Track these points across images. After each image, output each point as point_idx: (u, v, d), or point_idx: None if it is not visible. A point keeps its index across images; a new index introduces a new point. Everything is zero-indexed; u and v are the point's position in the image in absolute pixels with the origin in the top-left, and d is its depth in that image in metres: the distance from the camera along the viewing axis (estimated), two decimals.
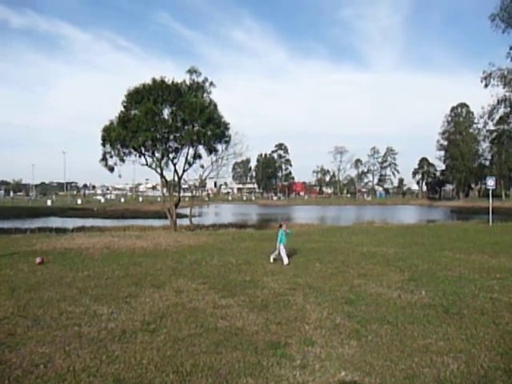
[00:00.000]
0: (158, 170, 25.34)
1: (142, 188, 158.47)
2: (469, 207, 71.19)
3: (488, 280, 8.18)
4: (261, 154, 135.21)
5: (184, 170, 26.30)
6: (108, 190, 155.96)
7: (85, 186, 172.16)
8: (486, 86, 30.15)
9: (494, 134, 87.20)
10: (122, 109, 23.74)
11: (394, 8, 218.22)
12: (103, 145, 24.18)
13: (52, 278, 8.60)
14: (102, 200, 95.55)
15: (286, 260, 10.19)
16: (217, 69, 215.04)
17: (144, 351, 4.56)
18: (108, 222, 37.88)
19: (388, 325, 5.37)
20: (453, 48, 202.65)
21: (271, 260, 10.48)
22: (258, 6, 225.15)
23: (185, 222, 33.03)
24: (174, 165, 25.69)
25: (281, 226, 10.99)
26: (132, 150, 24.22)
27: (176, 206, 26.23)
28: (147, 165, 25.42)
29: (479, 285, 7.71)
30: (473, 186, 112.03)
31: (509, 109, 31.67)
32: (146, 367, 4.15)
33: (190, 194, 40.75)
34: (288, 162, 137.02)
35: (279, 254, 10.42)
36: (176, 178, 26.50)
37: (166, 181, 26.71)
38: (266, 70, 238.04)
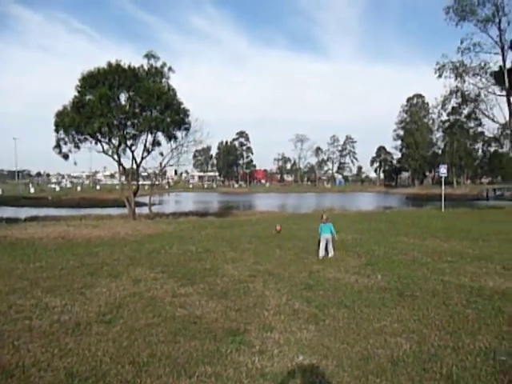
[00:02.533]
0: (116, 157, 24.64)
1: (99, 176, 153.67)
2: (423, 194, 74.00)
3: (440, 263, 8.51)
4: (222, 142, 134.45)
5: (143, 158, 25.74)
6: (63, 178, 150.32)
7: (38, 174, 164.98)
8: (440, 77, 30.98)
9: (447, 124, 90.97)
10: (76, 94, 22.80)
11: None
12: (56, 131, 23.22)
13: (1, 269, 8.19)
14: (57, 188, 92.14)
15: (331, 253, 9.41)
16: (177, 55, 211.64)
17: (99, 343, 4.42)
18: (63, 212, 36.62)
19: (345, 309, 5.48)
20: (409, 39, 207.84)
21: (320, 256, 9.29)
22: None
23: (144, 210, 32.47)
24: (132, 152, 25.09)
25: (323, 219, 9.83)
26: (87, 137, 23.40)
27: (135, 194, 25.66)
28: (104, 152, 24.67)
29: (431, 268, 8.01)
30: (427, 173, 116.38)
31: (460, 100, 32.74)
32: (101, 359, 4.03)
33: (149, 182, 40.05)
34: (249, 149, 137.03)
35: (325, 250, 9.44)
36: (134, 166, 25.88)
37: (124, 168, 26.01)
38: (227, 57, 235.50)
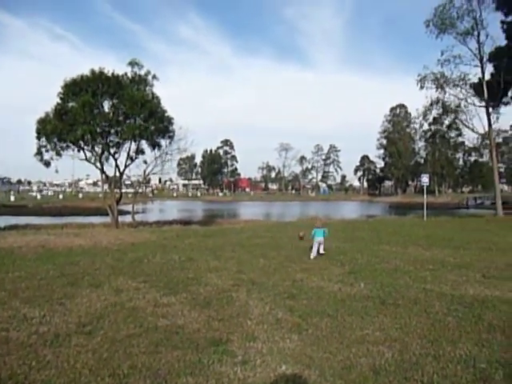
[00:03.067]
0: (98, 165, 24.34)
1: (82, 184, 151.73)
2: (406, 203, 74.92)
3: (421, 271, 8.60)
4: (206, 150, 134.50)
5: (126, 166, 25.48)
6: (45, 186, 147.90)
7: (19, 181, 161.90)
8: (422, 88, 31.67)
9: (429, 134, 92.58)
10: (59, 101, 22.52)
11: (336, 10, 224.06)
12: (38, 138, 22.83)
13: None
14: (39, 196, 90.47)
15: (322, 250, 10.55)
16: (162, 63, 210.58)
17: (78, 355, 4.33)
18: (44, 220, 35.96)
19: (328, 317, 5.48)
20: (392, 50, 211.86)
21: (312, 256, 10.28)
22: (203, 1, 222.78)
23: (128, 218, 32.07)
24: (116, 160, 24.82)
25: (317, 225, 10.99)
26: (70, 144, 23.06)
27: (117, 202, 25.36)
28: (86, 160, 24.36)
29: (413, 276, 8.08)
30: (410, 182, 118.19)
31: (441, 110, 33.42)
32: (80, 371, 3.94)
33: (133, 190, 39.63)
34: (234, 158, 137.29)
35: (318, 250, 10.49)
36: (118, 174, 25.63)
37: (107, 176, 25.74)
38: (211, 66, 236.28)
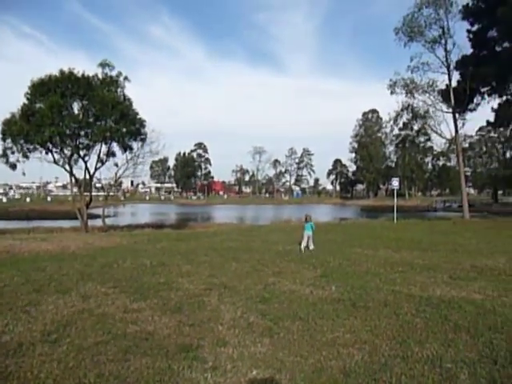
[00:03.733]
0: (68, 167, 23.81)
1: (51, 187, 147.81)
2: (377, 206, 76.36)
3: (391, 274, 8.75)
4: (180, 153, 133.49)
5: (96, 168, 25.07)
6: (11, 188, 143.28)
7: None
8: (392, 93, 32.40)
9: (399, 139, 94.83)
10: (26, 101, 21.92)
11: (307, 16, 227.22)
12: (3, 139, 22.19)
13: None
14: (4, 200, 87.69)
15: (311, 246, 12.42)
16: (134, 65, 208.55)
17: (43, 364, 4.19)
18: (10, 224, 34.87)
19: (300, 321, 5.50)
20: (363, 56, 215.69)
21: (302, 249, 12.18)
22: (175, 3, 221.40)
23: (98, 222, 31.47)
24: (86, 162, 24.38)
25: (306, 220, 13.08)
26: (37, 146, 22.47)
27: (87, 205, 24.87)
28: (55, 162, 23.78)
29: (383, 278, 8.21)
30: (381, 185, 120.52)
31: (411, 115, 34.24)
32: (44, 382, 3.81)
33: (104, 194, 38.88)
34: (207, 161, 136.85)
35: (307, 243, 12.43)
36: (88, 177, 25.11)
37: (77, 179, 25.19)
38: (184, 68, 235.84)
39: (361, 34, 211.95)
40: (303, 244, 12.30)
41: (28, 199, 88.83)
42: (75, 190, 26.86)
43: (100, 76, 23.37)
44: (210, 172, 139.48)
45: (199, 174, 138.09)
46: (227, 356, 4.40)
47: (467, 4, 31.32)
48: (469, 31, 32.57)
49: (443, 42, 31.10)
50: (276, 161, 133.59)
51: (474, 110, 33.25)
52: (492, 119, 34.85)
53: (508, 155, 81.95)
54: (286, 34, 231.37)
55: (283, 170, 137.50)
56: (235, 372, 4.02)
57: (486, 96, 33.12)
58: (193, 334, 5.07)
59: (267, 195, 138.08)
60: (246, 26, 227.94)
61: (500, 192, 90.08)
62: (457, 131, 32.52)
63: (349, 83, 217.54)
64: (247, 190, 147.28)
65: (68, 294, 7.03)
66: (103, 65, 23.55)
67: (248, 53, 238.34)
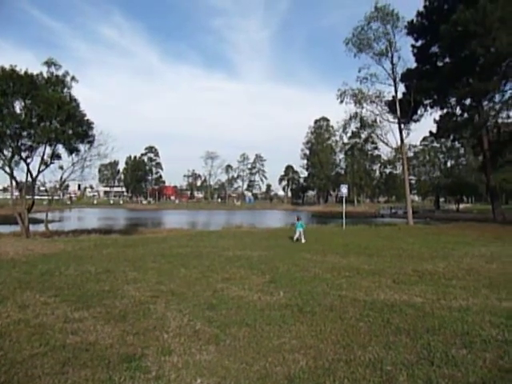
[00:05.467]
0: (8, 169, 22.50)
1: None
2: (327, 212, 78.04)
3: (338, 279, 8.94)
4: (130, 157, 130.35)
5: (39, 171, 23.85)
6: None
7: None
8: (341, 102, 33.31)
9: (348, 147, 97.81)
10: None
11: (263, 23, 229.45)
12: None
13: None
14: None
15: (303, 240, 16.82)
16: (83, 64, 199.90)
17: None
18: None
19: (246, 327, 5.48)
20: (316, 64, 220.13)
21: (294, 239, 17.02)
22: (128, 4, 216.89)
23: (41, 228, 30.04)
24: (28, 165, 23.13)
25: (298, 220, 18.11)
26: None
27: (29, 210, 23.62)
28: None
29: (331, 283, 8.37)
30: (331, 192, 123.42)
31: (359, 124, 35.34)
32: None
33: (48, 197, 37.10)
34: (159, 165, 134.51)
35: (299, 236, 17.02)
36: (30, 180, 23.87)
37: (18, 182, 23.89)
38: (136, 70, 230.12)
39: (314, 44, 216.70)
40: (295, 237, 17.11)
41: None
42: (16, 193, 25.51)
43: (45, 75, 22.35)
44: (161, 176, 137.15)
45: (150, 178, 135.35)
46: (172, 365, 4.30)
47: (412, 20, 32.92)
48: (413, 46, 34.25)
49: (390, 55, 32.41)
50: (228, 166, 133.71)
51: (418, 120, 34.88)
52: (435, 130, 36.70)
53: (449, 164, 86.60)
54: (242, 40, 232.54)
55: (235, 175, 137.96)
56: (179, 381, 3.94)
57: (428, 108, 34.88)
58: (137, 343, 4.92)
59: (219, 200, 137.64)
60: (201, 30, 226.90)
61: (442, 199, 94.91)
62: (402, 141, 33.94)
63: (302, 91, 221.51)
64: (199, 195, 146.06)
65: (3, 304, 6.64)
66: (49, 63, 22.49)
67: (203, 57, 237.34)
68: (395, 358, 4.42)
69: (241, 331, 5.32)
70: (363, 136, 40.35)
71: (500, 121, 33.20)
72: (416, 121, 34.79)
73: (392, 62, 32.69)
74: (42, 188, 31.99)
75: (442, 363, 4.26)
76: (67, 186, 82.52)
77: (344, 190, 29.95)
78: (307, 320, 5.82)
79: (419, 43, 33.86)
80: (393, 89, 33.43)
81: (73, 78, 23.35)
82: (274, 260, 11.59)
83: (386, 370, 4.10)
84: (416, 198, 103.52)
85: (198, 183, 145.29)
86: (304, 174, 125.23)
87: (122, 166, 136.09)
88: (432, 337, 5.06)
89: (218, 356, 4.54)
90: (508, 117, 32.41)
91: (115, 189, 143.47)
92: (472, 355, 4.47)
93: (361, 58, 32.83)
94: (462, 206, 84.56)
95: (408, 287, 8.06)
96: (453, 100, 33.82)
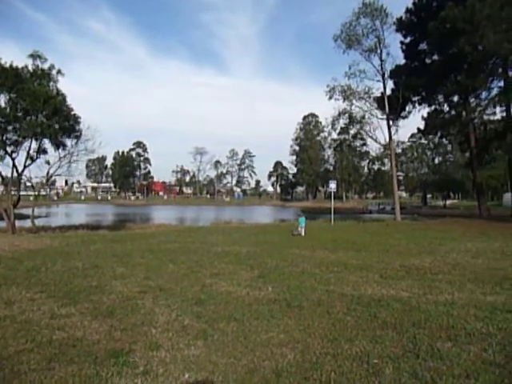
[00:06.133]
0: None
1: None
2: (316, 207, 78.32)
3: (326, 274, 8.99)
4: (118, 152, 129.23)
5: (25, 166, 23.54)
6: None
7: None
8: (330, 98, 33.37)
9: (337, 143, 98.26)
10: None
11: (252, 18, 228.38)
12: None
13: None
14: None
15: (302, 233, 18.45)
16: (69, 59, 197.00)
17: None
18: None
19: (235, 322, 5.49)
20: (304, 60, 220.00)
21: (296, 233, 18.63)
22: None
23: (27, 223, 29.69)
24: (13, 159, 22.81)
25: (300, 215, 20.21)
26: None
27: (15, 205, 23.33)
28: None
29: (319, 279, 8.42)
30: (320, 188, 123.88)
31: (348, 120, 35.46)
32: None
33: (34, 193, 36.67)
34: (147, 160, 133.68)
35: (299, 230, 18.72)
36: (16, 174, 23.55)
37: (3, 177, 23.55)
38: (124, 65, 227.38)
39: (303, 40, 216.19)
40: (297, 231, 18.77)
41: None
42: (1, 188, 25.16)
43: (30, 68, 21.99)
44: (149, 172, 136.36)
45: (138, 173, 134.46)
46: (159, 360, 4.29)
47: (401, 17, 33.12)
48: (402, 43, 34.47)
49: (379, 51, 32.56)
50: (217, 162, 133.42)
51: (406, 117, 35.20)
52: (422, 127, 37.04)
53: (436, 161, 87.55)
54: (231, 36, 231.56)
55: (224, 171, 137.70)
56: (167, 376, 3.93)
57: (416, 105, 35.23)
58: (124, 338, 4.90)
59: (208, 196, 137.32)
60: (190, 25, 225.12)
61: (429, 196, 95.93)
62: (390, 137, 34.17)
63: (291, 87, 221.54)
64: (188, 190, 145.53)
65: None
66: (34, 56, 22.12)
67: (191, 52, 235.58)
68: (382, 351, 4.47)
69: (229, 326, 5.33)
70: (352, 132, 40.57)
71: (486, 118, 33.62)
72: (404, 117, 35.11)
73: (381, 59, 32.85)
74: (28, 183, 31.47)
75: (427, 356, 4.31)
76: (54, 181, 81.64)
77: (333, 185, 30.10)
78: (295, 315, 5.85)
79: (408, 40, 34.09)
80: (381, 85, 33.65)
81: (59, 72, 23.05)
82: (263, 255, 11.62)
83: (372, 364, 4.14)
84: (404, 194, 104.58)
85: (187, 179, 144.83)
86: (293, 169, 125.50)
87: (109, 162, 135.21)
88: (418, 330, 5.12)
89: (206, 351, 4.54)
90: (494, 114, 32.86)
91: (103, 184, 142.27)
92: (457, 348, 4.53)
93: (350, 54, 32.97)
94: (448, 202, 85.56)
95: (395, 282, 8.14)
96: (440, 97, 34.18)
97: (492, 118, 33.67)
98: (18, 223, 24.88)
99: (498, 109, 32.11)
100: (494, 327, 5.22)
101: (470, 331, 5.07)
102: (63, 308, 6.14)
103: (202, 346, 4.66)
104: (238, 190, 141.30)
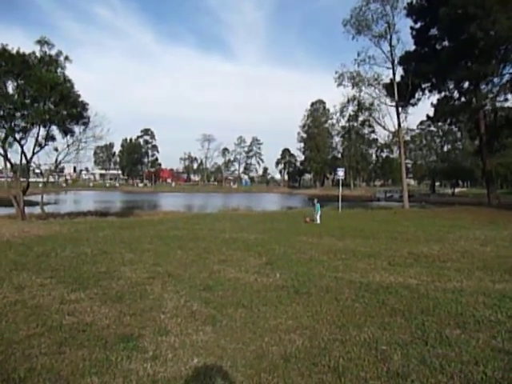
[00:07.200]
0: (1, 151, 22.27)
1: None
2: (324, 195, 78.00)
3: (334, 261, 8.99)
4: (126, 139, 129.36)
5: (34, 153, 23.64)
6: None
7: None
8: (339, 85, 33.04)
9: (345, 130, 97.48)
10: None
11: (258, 4, 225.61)
12: None
13: None
14: None
15: (318, 221, 18.66)
16: (76, 45, 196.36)
17: None
18: None
19: (243, 308, 5.51)
20: (313, 46, 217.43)
21: (315, 221, 18.80)
22: None
23: (37, 210, 30.00)
24: (22, 146, 22.90)
25: (315, 202, 19.96)
26: None
27: (24, 192, 23.49)
28: None
29: (327, 266, 8.42)
30: (328, 175, 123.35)
31: (356, 107, 35.13)
32: None
33: (43, 180, 36.92)
34: (155, 147, 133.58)
35: (315, 217, 18.91)
36: (24, 161, 23.68)
37: (12, 164, 23.70)
38: (131, 51, 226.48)
39: (310, 26, 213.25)
40: (315, 217, 19.00)
41: None
42: (10, 175, 25.35)
43: (38, 54, 21.93)
44: (157, 159, 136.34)
45: (146, 160, 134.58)
46: (168, 345, 4.33)
47: (411, 1, 32.49)
48: (412, 28, 33.88)
49: (388, 37, 32.11)
50: (225, 149, 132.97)
51: (416, 104, 34.76)
52: (432, 114, 36.58)
53: (445, 149, 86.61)
54: (238, 21, 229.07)
55: (232, 158, 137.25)
56: (176, 361, 3.96)
57: (426, 91, 34.74)
58: (133, 323, 4.94)
59: (216, 183, 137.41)
60: (197, 11, 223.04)
61: (437, 183, 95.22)
62: (399, 124, 33.86)
63: (299, 73, 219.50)
64: (196, 178, 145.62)
65: None
66: (41, 42, 22.02)
67: (198, 38, 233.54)
68: (390, 338, 4.47)
69: (237, 312, 5.35)
70: (360, 119, 40.18)
71: (497, 105, 33.09)
72: (414, 104, 34.68)
73: (391, 45, 32.42)
74: (36, 170, 31.66)
75: (435, 343, 4.30)
76: (62, 168, 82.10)
77: (341, 173, 29.97)
78: (303, 301, 5.86)
79: (418, 25, 33.49)
80: (391, 72, 33.23)
81: (66, 58, 22.98)
82: (271, 242, 11.63)
83: (380, 350, 4.14)
84: (412, 181, 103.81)
85: (195, 166, 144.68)
86: (301, 157, 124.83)
87: (117, 149, 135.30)
88: (426, 317, 5.11)
89: (214, 336, 4.56)
90: (505, 100, 32.33)
91: (111, 171, 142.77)
92: (465, 335, 4.52)
93: (359, 40, 32.52)
94: (457, 190, 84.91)
95: (403, 269, 8.12)
96: (451, 83, 33.63)
97: (503, 104, 33.14)
98: (27, 210, 25.10)
99: (509, 96, 31.62)
100: (503, 315, 5.20)
101: (478, 318, 5.05)
102: (73, 293, 6.20)
103: (210, 332, 4.69)
104: (246, 177, 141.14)
